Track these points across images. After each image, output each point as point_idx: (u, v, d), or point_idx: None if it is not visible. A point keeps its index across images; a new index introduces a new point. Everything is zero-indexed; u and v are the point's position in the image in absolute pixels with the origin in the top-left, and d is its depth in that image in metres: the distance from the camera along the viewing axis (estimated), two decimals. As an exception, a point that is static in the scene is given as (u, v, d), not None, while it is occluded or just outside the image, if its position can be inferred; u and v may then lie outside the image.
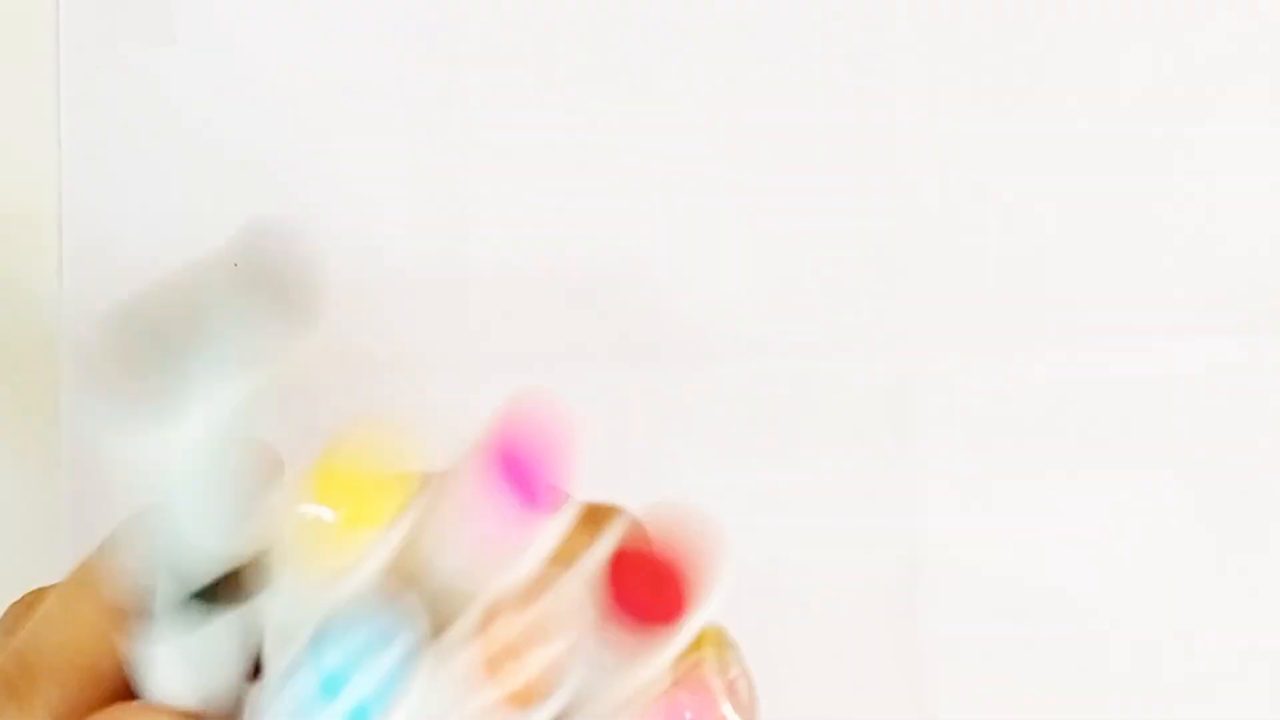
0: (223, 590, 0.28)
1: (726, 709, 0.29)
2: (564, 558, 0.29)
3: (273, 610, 0.28)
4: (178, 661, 0.28)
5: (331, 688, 0.26)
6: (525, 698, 0.27)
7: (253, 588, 0.28)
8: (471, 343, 0.40)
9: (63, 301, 0.39)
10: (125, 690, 0.28)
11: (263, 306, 0.28)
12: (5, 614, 0.30)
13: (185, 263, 0.39)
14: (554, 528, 0.29)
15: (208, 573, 0.28)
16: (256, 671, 0.28)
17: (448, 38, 0.41)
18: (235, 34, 0.40)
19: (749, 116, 0.41)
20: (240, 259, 0.29)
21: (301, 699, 0.26)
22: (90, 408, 0.38)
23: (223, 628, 0.28)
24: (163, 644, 0.28)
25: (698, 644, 0.29)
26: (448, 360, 0.40)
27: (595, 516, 0.30)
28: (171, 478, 0.27)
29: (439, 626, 0.27)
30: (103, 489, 0.39)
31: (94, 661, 0.28)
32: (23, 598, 0.30)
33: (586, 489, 0.40)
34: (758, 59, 0.41)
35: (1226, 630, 0.41)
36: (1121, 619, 0.41)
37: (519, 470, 0.28)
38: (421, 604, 0.27)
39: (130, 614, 0.28)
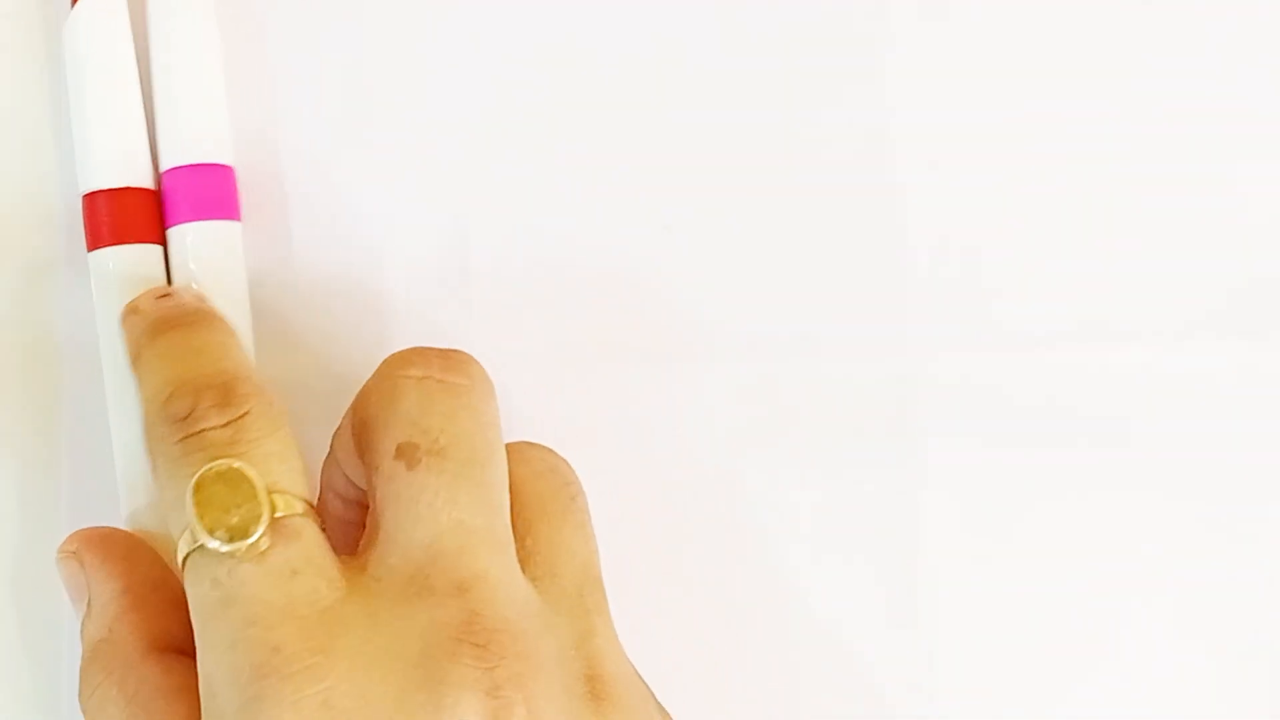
0: None
1: None
2: None
3: None
4: None
5: None
6: None
7: None
8: (471, 343, 0.40)
9: (64, 301, 0.39)
10: None
11: None
12: None
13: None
14: None
15: None
16: None
17: (450, 36, 0.41)
18: (236, 33, 0.40)
19: (748, 116, 0.41)
20: None
21: None
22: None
23: None
24: None
25: None
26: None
27: None
28: None
29: None
30: (102, 488, 0.39)
31: None
32: None
33: (586, 489, 0.40)
34: (757, 57, 0.41)
35: (1227, 630, 0.41)
36: (1121, 619, 0.41)
37: None
38: None
39: None
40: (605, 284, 0.40)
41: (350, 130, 0.41)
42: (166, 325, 0.35)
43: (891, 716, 0.40)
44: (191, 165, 0.39)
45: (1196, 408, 0.41)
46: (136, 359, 0.35)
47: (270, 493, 0.31)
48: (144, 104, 0.39)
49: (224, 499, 0.31)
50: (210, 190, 0.39)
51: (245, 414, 0.32)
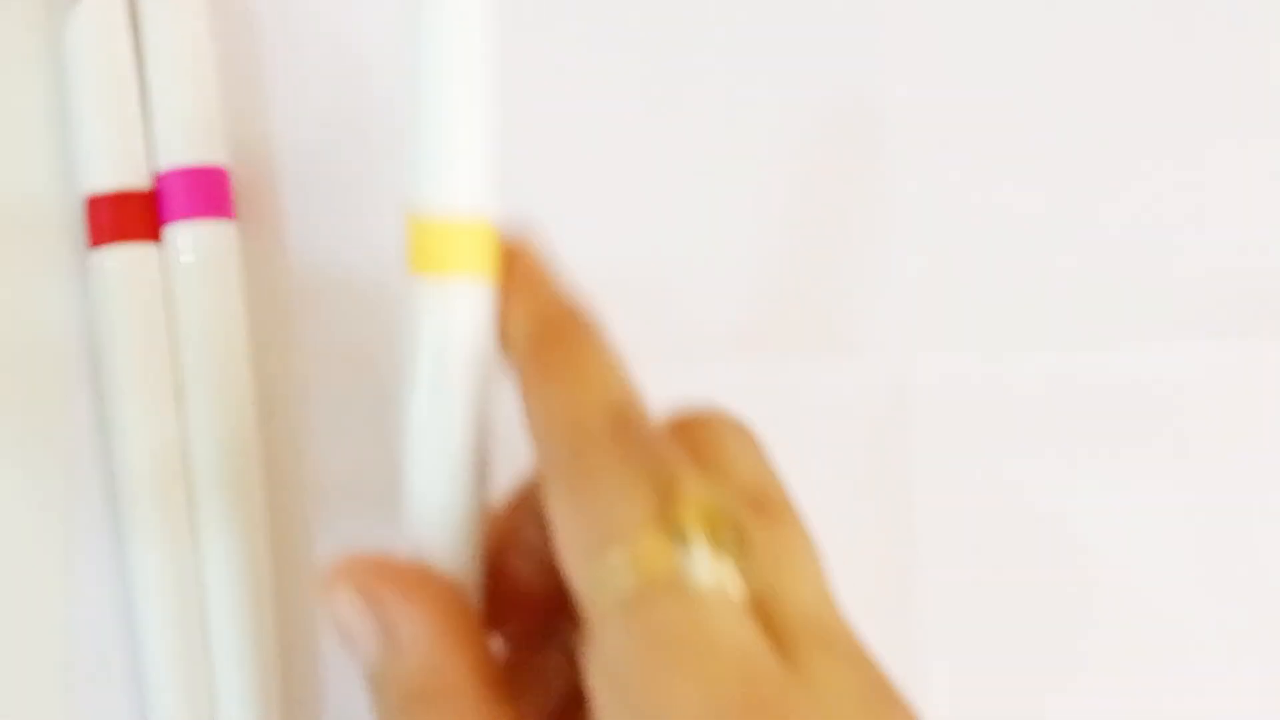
0: None
1: None
2: None
3: None
4: None
5: None
6: None
7: None
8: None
9: (64, 300, 0.39)
10: None
11: None
12: None
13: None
14: None
15: None
16: None
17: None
18: (230, 34, 0.40)
19: (746, 115, 0.41)
20: None
21: None
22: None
23: None
24: None
25: None
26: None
27: None
28: None
29: None
30: (102, 488, 0.39)
31: None
32: None
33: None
34: (754, 58, 0.41)
35: (1224, 630, 0.41)
36: (1119, 619, 0.41)
37: None
38: None
39: None
40: (604, 284, 0.40)
41: (344, 130, 0.41)
42: (578, 325, 0.32)
43: None
44: (186, 167, 0.38)
45: (1196, 407, 0.41)
46: (556, 346, 0.32)
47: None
48: (141, 105, 0.39)
49: (716, 523, 0.29)
50: (205, 191, 0.39)
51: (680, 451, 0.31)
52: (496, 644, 0.33)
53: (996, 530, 0.40)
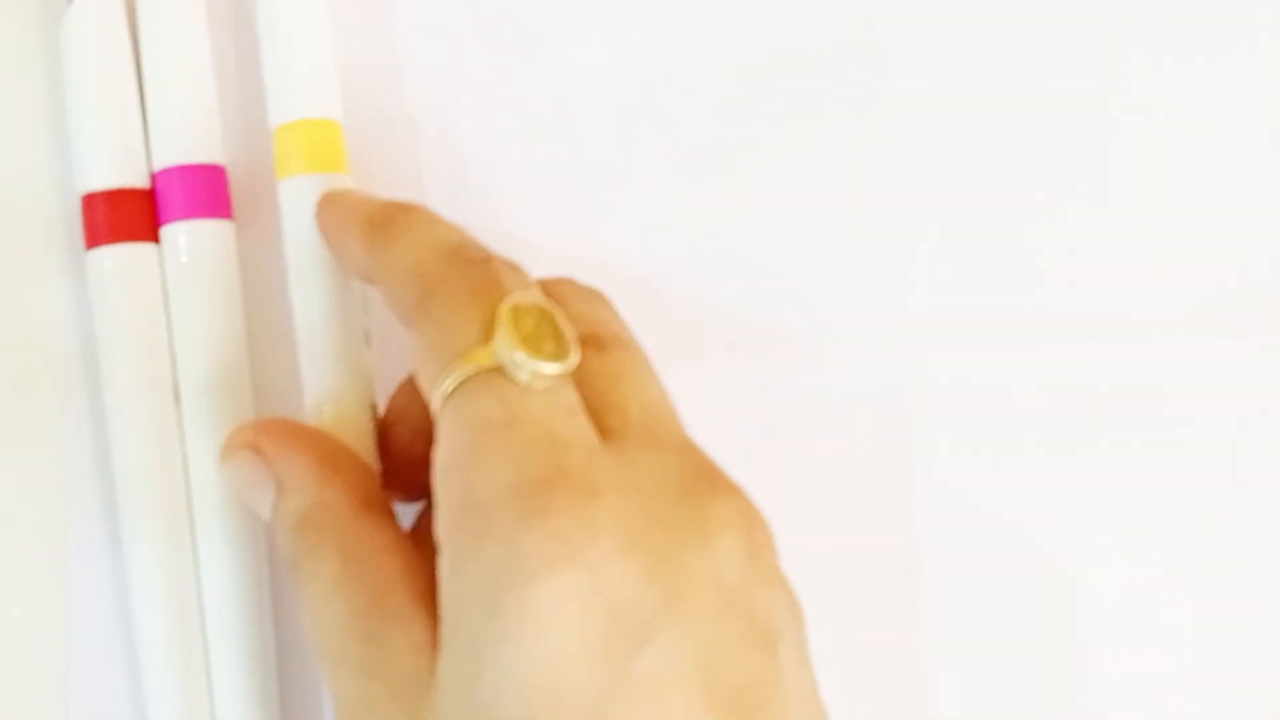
0: None
1: None
2: None
3: None
4: None
5: None
6: None
7: None
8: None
9: (62, 299, 0.39)
10: None
11: None
12: None
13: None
14: None
15: None
16: None
17: (436, 37, 0.41)
18: (226, 33, 0.40)
19: (748, 115, 0.41)
20: None
21: None
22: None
23: None
24: None
25: None
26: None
27: None
28: None
29: None
30: (102, 486, 0.39)
31: None
32: None
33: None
34: (757, 56, 0.41)
35: (1224, 631, 0.41)
36: (1120, 619, 0.41)
37: None
38: None
39: None
40: (604, 285, 0.40)
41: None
42: (409, 205, 0.36)
43: (889, 716, 0.40)
44: (183, 166, 0.38)
45: (1196, 407, 0.41)
46: (390, 221, 0.35)
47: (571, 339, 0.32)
48: (139, 103, 0.39)
49: (535, 329, 0.31)
50: (202, 190, 0.39)
51: (529, 277, 0.34)
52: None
53: (1000, 527, 0.41)
